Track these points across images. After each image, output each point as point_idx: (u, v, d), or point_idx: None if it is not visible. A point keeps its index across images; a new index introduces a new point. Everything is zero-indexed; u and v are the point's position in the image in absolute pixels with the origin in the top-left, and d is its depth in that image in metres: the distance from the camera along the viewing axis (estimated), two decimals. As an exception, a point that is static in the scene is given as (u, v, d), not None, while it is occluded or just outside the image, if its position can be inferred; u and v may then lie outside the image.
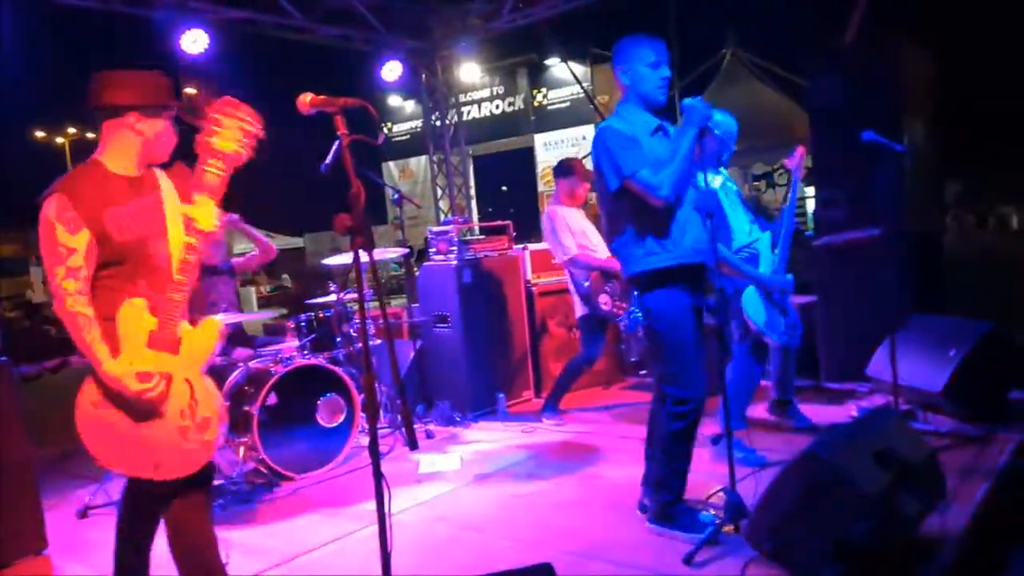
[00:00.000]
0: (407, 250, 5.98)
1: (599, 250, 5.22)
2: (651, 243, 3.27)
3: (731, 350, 4.41)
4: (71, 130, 29.83)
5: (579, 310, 5.33)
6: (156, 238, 2.49)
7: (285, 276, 15.06)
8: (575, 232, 5.24)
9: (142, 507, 2.58)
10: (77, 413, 2.42)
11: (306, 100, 2.32)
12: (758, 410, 5.21)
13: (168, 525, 2.57)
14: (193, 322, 2.49)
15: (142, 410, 2.39)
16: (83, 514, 4.28)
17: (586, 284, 5.17)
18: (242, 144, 2.40)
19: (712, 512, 3.43)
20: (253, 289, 13.71)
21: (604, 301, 5.07)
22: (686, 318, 3.31)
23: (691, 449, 3.43)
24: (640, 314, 3.28)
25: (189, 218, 2.39)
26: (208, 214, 2.38)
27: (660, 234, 3.27)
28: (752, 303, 4.29)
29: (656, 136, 3.33)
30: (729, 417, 3.33)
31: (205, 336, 2.51)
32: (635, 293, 3.31)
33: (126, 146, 2.48)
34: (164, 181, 2.57)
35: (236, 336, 5.41)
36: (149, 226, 2.48)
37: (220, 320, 2.58)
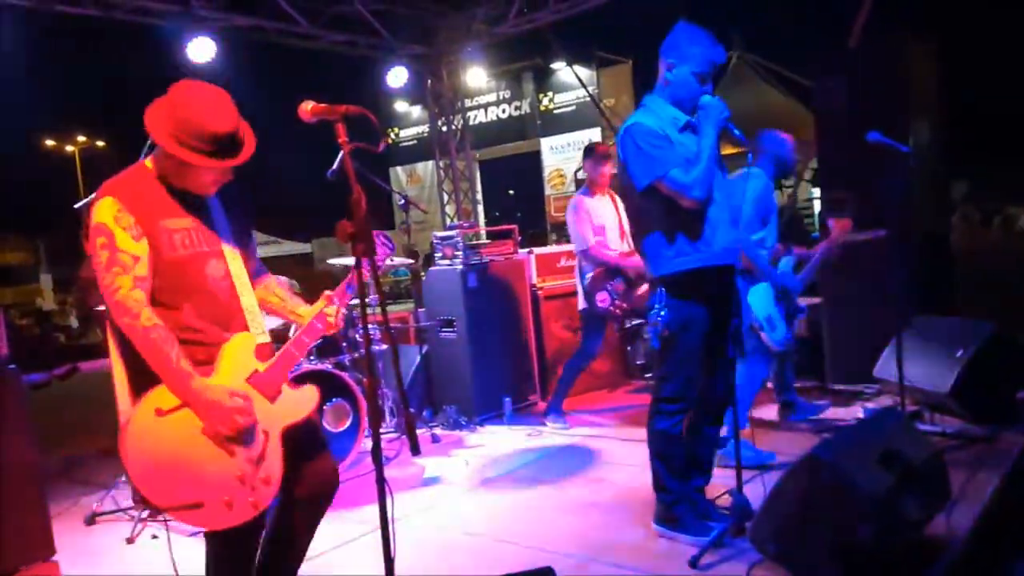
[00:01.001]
0: (411, 260, 6.01)
1: (612, 246, 5.23)
2: (682, 243, 3.21)
3: (745, 350, 4.42)
4: (80, 138, 30.03)
5: (581, 303, 5.36)
6: (209, 259, 2.35)
7: (293, 282, 15.13)
8: (595, 226, 5.25)
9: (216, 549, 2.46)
10: (131, 425, 2.19)
11: (307, 108, 2.33)
12: (766, 411, 5.21)
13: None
14: (293, 385, 2.43)
15: (217, 435, 2.23)
16: (91, 521, 4.29)
17: (589, 276, 5.19)
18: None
19: (719, 515, 3.43)
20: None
21: (601, 299, 5.08)
22: (702, 328, 3.26)
23: (682, 449, 3.39)
24: (664, 312, 3.24)
25: (318, 309, 2.46)
26: (336, 313, 2.46)
27: (691, 234, 3.21)
28: (759, 298, 4.30)
29: (685, 133, 3.24)
30: (736, 416, 3.33)
31: (304, 401, 2.44)
32: (662, 291, 3.26)
33: (205, 176, 2.30)
34: (217, 202, 2.42)
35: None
36: (202, 245, 2.34)
37: (317, 394, 2.48)
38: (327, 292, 2.52)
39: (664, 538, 3.37)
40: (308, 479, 2.51)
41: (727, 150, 3.35)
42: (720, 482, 3.67)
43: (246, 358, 2.34)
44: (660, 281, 3.33)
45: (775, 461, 4.07)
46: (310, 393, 2.45)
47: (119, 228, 2.20)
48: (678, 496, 3.37)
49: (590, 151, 5.50)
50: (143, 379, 2.22)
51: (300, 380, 4.36)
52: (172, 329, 2.22)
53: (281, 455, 2.33)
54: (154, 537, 3.84)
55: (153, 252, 2.23)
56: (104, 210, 2.20)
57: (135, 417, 2.20)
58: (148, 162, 2.35)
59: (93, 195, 2.26)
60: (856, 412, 4.94)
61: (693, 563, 3.07)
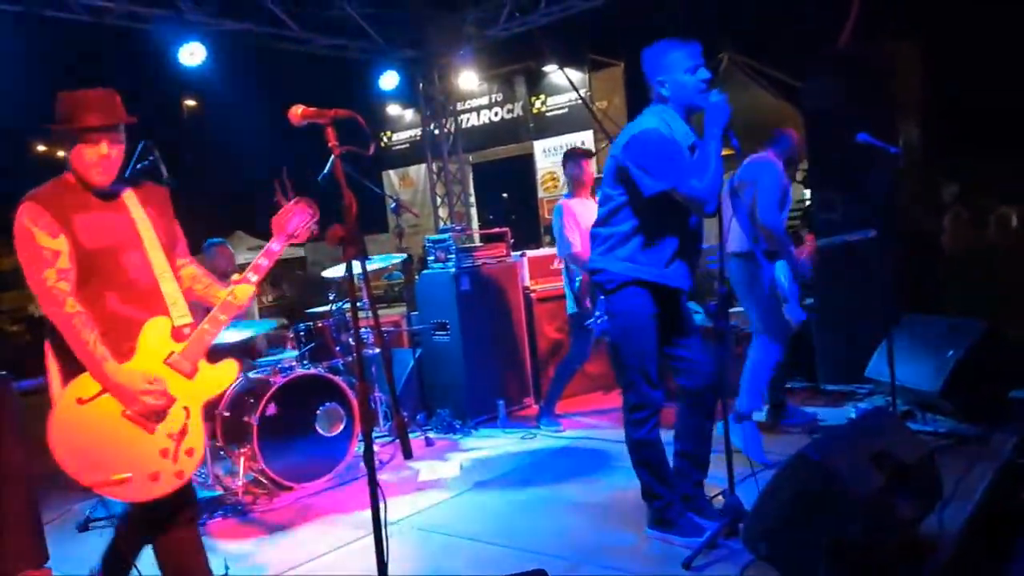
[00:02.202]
0: (403, 257, 6.01)
1: None
2: (637, 251, 3.22)
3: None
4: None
5: (570, 307, 5.37)
6: (127, 250, 2.52)
7: (285, 287, 15.09)
8: (582, 230, 5.26)
9: (137, 522, 2.61)
10: (54, 413, 2.37)
11: (297, 112, 2.34)
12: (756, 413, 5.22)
13: (157, 547, 2.62)
14: (213, 360, 2.58)
15: (135, 414, 2.41)
16: (83, 527, 4.29)
17: (578, 280, 5.21)
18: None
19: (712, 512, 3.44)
20: (255, 300, 13.70)
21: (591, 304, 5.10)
22: (649, 326, 3.27)
23: (662, 452, 3.39)
24: (603, 320, 3.27)
25: (231, 289, 2.61)
26: (246, 292, 2.61)
27: (652, 246, 3.23)
28: (781, 273, 4.49)
29: (692, 155, 3.19)
30: (727, 417, 3.33)
31: (222, 375, 2.61)
32: (600, 296, 3.27)
33: (88, 162, 2.48)
34: (133, 198, 2.61)
35: (245, 349, 5.44)
36: (119, 237, 2.51)
37: (237, 367, 2.66)
38: (236, 275, 2.64)
39: (657, 541, 3.37)
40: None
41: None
42: (712, 483, 3.68)
43: (163, 341, 2.51)
44: (595, 274, 3.36)
45: (769, 464, 4.08)
46: (229, 367, 2.62)
47: (37, 227, 2.37)
48: (668, 500, 3.37)
49: (571, 155, 5.50)
50: (70, 369, 2.41)
51: (294, 385, 4.38)
52: (97, 319, 2.41)
53: (203, 428, 2.55)
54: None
55: (72, 245, 2.40)
56: (23, 214, 2.40)
57: (59, 405, 2.39)
58: (67, 173, 2.53)
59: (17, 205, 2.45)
60: (848, 412, 4.95)
61: (686, 564, 3.07)
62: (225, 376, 2.62)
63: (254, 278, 2.63)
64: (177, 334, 2.53)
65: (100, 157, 2.46)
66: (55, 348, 2.44)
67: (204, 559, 2.70)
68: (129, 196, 2.58)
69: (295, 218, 2.65)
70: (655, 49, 3.25)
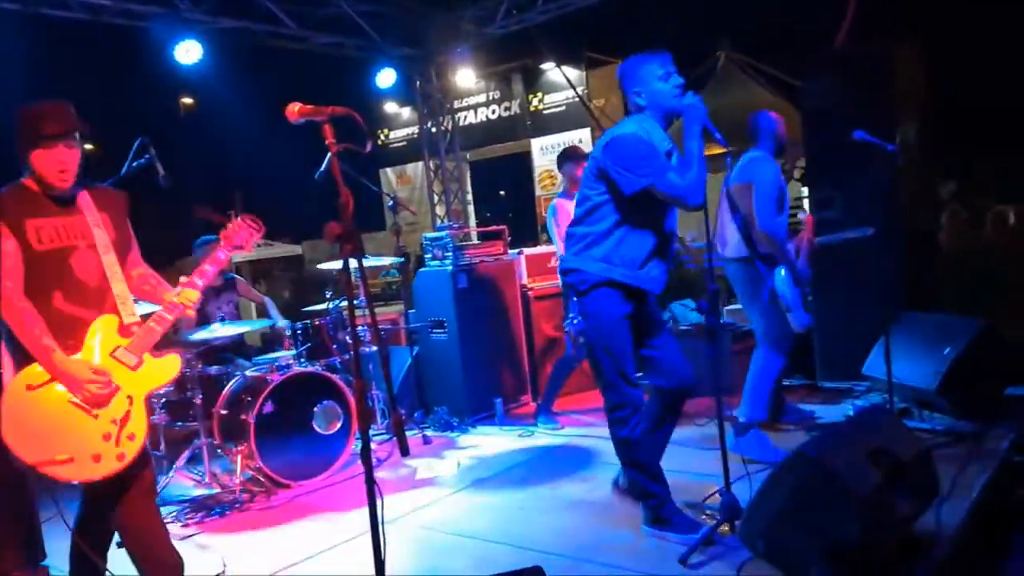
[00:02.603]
0: (401, 258, 6.00)
1: None
2: (612, 251, 3.28)
3: (725, 349, 4.44)
4: (69, 141, 29.85)
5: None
6: (78, 252, 2.68)
7: (283, 284, 15.06)
8: None
9: (91, 508, 2.80)
10: (4, 398, 2.53)
11: (294, 109, 2.34)
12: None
13: (121, 531, 2.80)
14: (157, 354, 2.77)
15: (81, 400, 2.57)
16: (81, 525, 4.28)
17: None
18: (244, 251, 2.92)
19: (707, 515, 3.45)
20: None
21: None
22: (623, 325, 3.32)
23: (650, 449, 3.42)
24: (577, 321, 3.30)
25: (178, 291, 2.80)
26: (192, 296, 2.79)
27: (627, 247, 3.28)
28: (782, 281, 4.35)
29: (668, 159, 3.28)
30: (721, 416, 3.34)
31: (166, 368, 2.79)
32: (574, 300, 3.32)
33: (45, 168, 2.64)
34: (89, 202, 2.75)
35: (236, 346, 5.45)
36: (70, 239, 2.67)
37: (180, 361, 2.87)
38: (183, 278, 2.84)
39: (655, 538, 3.37)
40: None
41: (706, 151, 3.39)
42: (709, 481, 3.69)
43: (110, 336, 2.70)
44: (567, 274, 3.40)
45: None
46: (172, 361, 2.81)
47: None
48: (662, 498, 3.39)
49: (569, 154, 5.49)
50: (21, 359, 2.60)
51: (291, 383, 4.38)
52: (44, 315, 2.59)
53: (146, 415, 2.70)
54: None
55: (21, 247, 2.57)
56: None
57: (9, 391, 2.57)
58: (25, 179, 2.70)
59: None
60: (845, 409, 4.96)
61: (683, 561, 3.08)
62: (168, 368, 2.80)
63: (200, 282, 2.82)
64: (124, 331, 2.72)
65: (57, 161, 2.64)
66: (6, 341, 2.63)
67: (165, 533, 2.86)
68: (85, 199, 2.75)
69: (242, 232, 2.91)
70: (627, 64, 3.37)
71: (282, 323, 5.49)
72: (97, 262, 2.71)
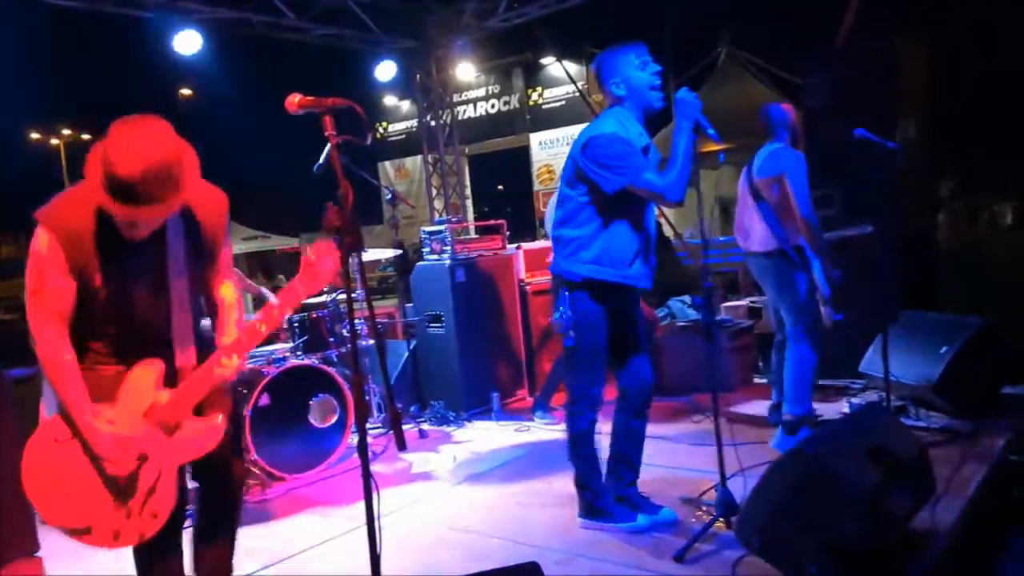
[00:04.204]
0: (401, 251, 5.99)
1: None
2: (601, 254, 3.30)
3: (718, 346, 4.40)
4: (66, 132, 29.74)
5: None
6: (142, 291, 2.37)
7: (281, 276, 15.07)
8: None
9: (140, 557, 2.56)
10: (32, 443, 2.33)
11: (294, 101, 2.32)
12: (755, 407, 5.23)
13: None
14: (199, 413, 2.40)
15: (105, 470, 2.32)
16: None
17: None
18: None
19: (702, 511, 3.45)
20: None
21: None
22: (602, 324, 3.37)
23: (588, 454, 3.49)
24: (568, 314, 3.34)
25: (223, 356, 2.36)
26: (234, 364, 2.37)
27: (614, 250, 3.31)
28: (819, 277, 4.28)
29: (647, 156, 3.29)
30: (717, 412, 3.34)
31: (205, 437, 2.40)
32: (565, 293, 3.34)
33: (115, 215, 2.21)
34: (177, 226, 2.36)
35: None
36: (137, 281, 2.35)
37: (223, 426, 2.42)
38: (226, 342, 2.43)
39: (591, 530, 3.45)
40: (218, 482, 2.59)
41: (700, 148, 3.39)
42: (705, 477, 3.69)
43: (147, 389, 2.35)
44: (559, 276, 3.42)
45: None
46: (214, 425, 2.40)
47: (50, 263, 2.24)
48: (599, 491, 3.47)
49: None
50: (56, 405, 2.32)
51: (288, 376, 4.27)
52: (87, 355, 2.33)
53: (174, 491, 2.38)
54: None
55: (80, 286, 2.27)
56: (41, 242, 2.25)
57: (37, 436, 2.34)
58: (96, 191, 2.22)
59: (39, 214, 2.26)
60: (842, 407, 4.96)
61: (679, 557, 3.08)
62: (208, 439, 2.39)
63: (263, 328, 2.41)
64: (168, 379, 2.37)
65: (129, 221, 2.23)
66: (45, 381, 2.35)
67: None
68: (174, 223, 2.35)
69: (327, 260, 2.31)
70: (603, 57, 3.37)
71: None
72: (161, 297, 2.38)
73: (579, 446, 3.47)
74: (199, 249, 2.45)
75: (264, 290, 5.83)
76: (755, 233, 4.39)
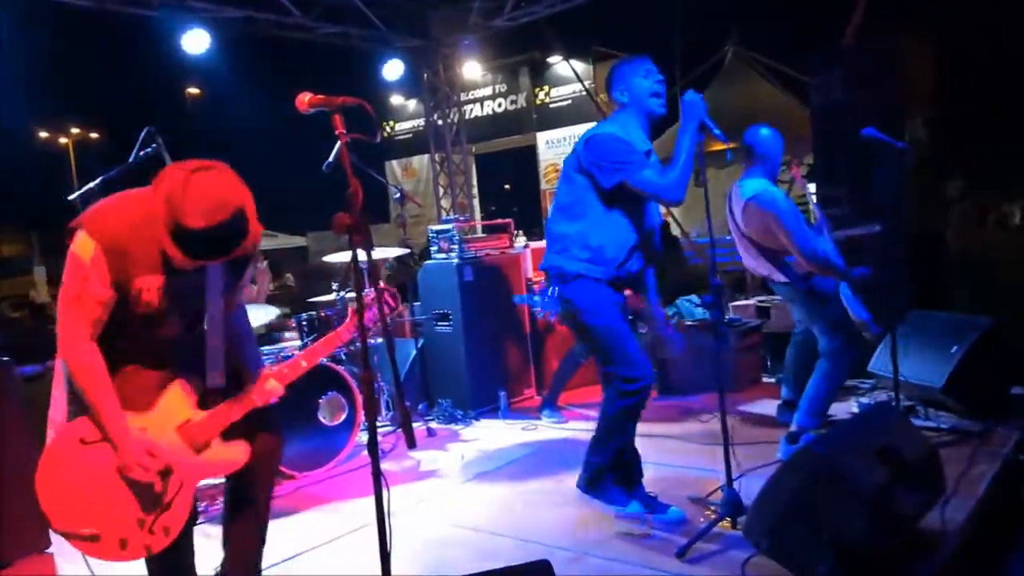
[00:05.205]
0: (408, 250, 6.00)
1: None
2: (594, 253, 3.35)
3: (728, 343, 4.38)
4: (74, 130, 29.84)
5: None
6: (181, 313, 2.38)
7: (288, 275, 15.10)
8: None
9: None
10: (52, 445, 2.30)
11: (304, 99, 2.33)
12: (764, 406, 5.23)
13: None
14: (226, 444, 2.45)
15: (128, 478, 2.32)
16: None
17: None
18: None
19: (709, 511, 3.45)
20: (256, 288, 13.66)
21: None
22: (612, 308, 3.42)
23: (634, 428, 3.55)
24: (552, 300, 3.41)
25: (269, 379, 2.50)
26: (277, 390, 2.53)
27: (608, 246, 3.35)
28: (849, 300, 4.22)
29: (645, 157, 3.35)
30: (724, 411, 3.33)
31: (229, 460, 2.45)
32: (555, 286, 3.45)
33: (174, 254, 2.20)
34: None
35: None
36: (178, 302, 2.36)
37: (247, 456, 2.48)
38: (267, 370, 2.54)
39: (584, 500, 3.57)
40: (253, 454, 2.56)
41: (707, 147, 3.43)
42: (712, 476, 3.68)
43: (182, 406, 2.40)
44: (552, 271, 3.48)
45: None
46: (238, 452, 2.46)
47: (93, 271, 2.22)
48: (606, 466, 3.54)
49: None
50: (78, 408, 2.31)
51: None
52: (123, 366, 2.32)
53: (188, 508, 2.41)
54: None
55: (116, 301, 2.27)
56: (85, 248, 2.23)
57: (59, 437, 2.31)
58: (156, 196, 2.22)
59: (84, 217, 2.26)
60: (851, 407, 4.95)
61: (680, 555, 3.08)
62: (231, 462, 2.46)
63: (303, 366, 2.55)
64: (201, 400, 2.43)
65: (188, 262, 2.23)
66: (68, 383, 2.33)
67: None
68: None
69: (373, 309, 2.46)
70: (612, 69, 3.49)
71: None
72: (199, 323, 2.42)
73: (619, 421, 3.49)
74: (235, 277, 2.51)
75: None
76: (763, 267, 4.33)
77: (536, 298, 4.65)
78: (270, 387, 2.47)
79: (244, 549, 2.67)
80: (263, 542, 2.71)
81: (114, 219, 2.27)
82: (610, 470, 3.57)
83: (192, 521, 2.52)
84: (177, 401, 2.39)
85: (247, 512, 2.65)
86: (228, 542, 2.66)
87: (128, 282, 2.25)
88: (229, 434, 2.47)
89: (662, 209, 3.54)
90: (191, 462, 2.39)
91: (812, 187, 5.70)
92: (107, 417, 2.26)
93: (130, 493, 2.32)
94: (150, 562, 2.54)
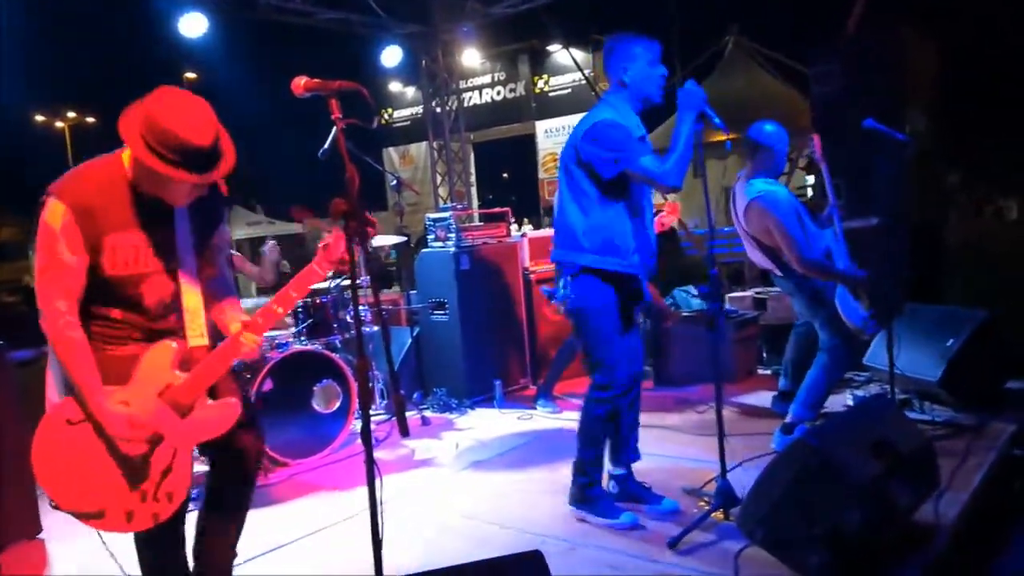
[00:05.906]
0: (405, 238, 5.97)
1: None
2: (602, 244, 3.32)
3: (723, 335, 4.36)
4: (71, 114, 29.71)
5: None
6: (155, 274, 2.36)
7: (284, 262, 15.09)
8: None
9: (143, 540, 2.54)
10: (42, 427, 2.29)
11: (300, 83, 2.30)
12: (757, 398, 5.23)
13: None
14: (212, 396, 2.41)
15: (119, 451, 2.30)
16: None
17: None
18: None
19: (703, 502, 3.45)
20: (264, 265, 13.61)
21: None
22: (612, 309, 3.38)
23: (608, 436, 3.53)
24: (566, 292, 3.38)
25: (243, 332, 2.37)
26: (255, 342, 2.38)
27: (617, 239, 3.32)
28: (845, 303, 4.16)
29: (642, 143, 3.33)
30: (720, 402, 3.33)
31: (220, 419, 2.41)
32: (567, 277, 3.40)
33: (153, 175, 2.20)
34: (183, 213, 2.37)
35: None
36: (151, 261, 2.34)
37: (238, 407, 2.43)
38: (245, 318, 2.44)
39: (576, 517, 3.48)
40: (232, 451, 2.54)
41: (707, 138, 3.40)
42: (706, 468, 3.68)
43: (162, 370, 2.35)
44: (561, 263, 3.45)
45: None
46: (229, 409, 2.42)
47: (63, 238, 2.21)
48: (594, 480, 3.49)
49: None
50: (67, 387, 2.30)
51: (291, 361, 4.24)
52: (98, 336, 2.31)
53: (189, 472, 2.37)
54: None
55: (92, 265, 2.26)
56: (55, 215, 2.21)
57: (48, 420, 2.30)
58: (125, 158, 2.29)
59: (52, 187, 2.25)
60: (846, 399, 4.95)
61: (672, 546, 3.09)
62: (223, 420, 2.40)
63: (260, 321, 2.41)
64: (182, 362, 2.37)
65: (196, 186, 2.27)
66: (52, 362, 2.33)
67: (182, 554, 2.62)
68: (180, 208, 2.37)
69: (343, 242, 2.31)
70: (620, 40, 3.38)
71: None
72: (173, 279, 2.39)
73: (599, 433, 3.47)
74: (203, 233, 2.47)
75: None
76: (766, 262, 4.35)
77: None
78: (246, 340, 2.37)
79: (217, 550, 2.62)
80: (238, 538, 2.66)
81: (81, 180, 2.27)
82: (598, 484, 3.52)
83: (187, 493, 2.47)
84: (157, 367, 2.35)
85: (225, 508, 2.62)
86: (202, 537, 2.62)
87: (100, 241, 2.24)
88: (216, 393, 2.44)
89: (658, 199, 3.51)
90: (180, 426, 2.34)
91: (810, 179, 5.68)
92: (87, 392, 2.24)
93: (125, 466, 2.30)
94: (142, 555, 2.54)
